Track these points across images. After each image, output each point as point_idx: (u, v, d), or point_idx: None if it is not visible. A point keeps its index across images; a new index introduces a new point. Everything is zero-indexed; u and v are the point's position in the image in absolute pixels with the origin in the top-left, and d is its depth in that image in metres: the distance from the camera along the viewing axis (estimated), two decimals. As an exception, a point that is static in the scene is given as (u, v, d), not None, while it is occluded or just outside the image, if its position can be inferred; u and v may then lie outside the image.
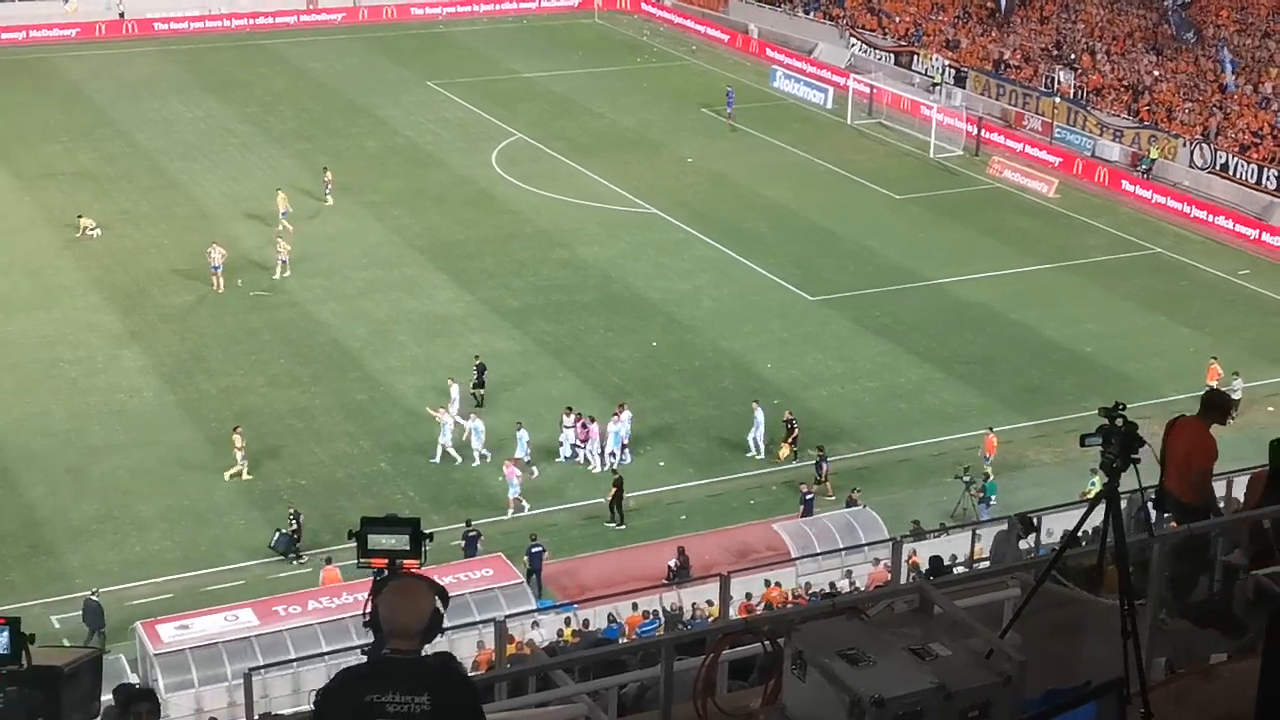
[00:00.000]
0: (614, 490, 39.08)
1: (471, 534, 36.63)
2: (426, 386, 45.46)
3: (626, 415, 42.07)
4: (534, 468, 40.91)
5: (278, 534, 37.03)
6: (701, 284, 53.88)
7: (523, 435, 41.06)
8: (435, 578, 7.46)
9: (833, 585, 34.47)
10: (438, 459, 41.39)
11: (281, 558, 36.87)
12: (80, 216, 56.77)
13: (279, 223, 57.07)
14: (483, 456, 41.26)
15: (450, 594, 7.35)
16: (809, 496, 39.22)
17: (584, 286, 53.37)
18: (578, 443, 41.65)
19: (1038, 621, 9.61)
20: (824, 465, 40.55)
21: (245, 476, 40.44)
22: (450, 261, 55.15)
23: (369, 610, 7.19)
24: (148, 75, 79.26)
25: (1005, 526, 18.80)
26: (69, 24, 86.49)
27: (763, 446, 42.18)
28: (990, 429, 41.93)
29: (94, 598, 33.98)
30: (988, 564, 17.65)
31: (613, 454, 41.28)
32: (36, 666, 7.02)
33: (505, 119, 72.81)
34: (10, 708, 6.90)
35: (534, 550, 36.24)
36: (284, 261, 52.73)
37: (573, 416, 41.90)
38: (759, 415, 42.27)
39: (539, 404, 44.38)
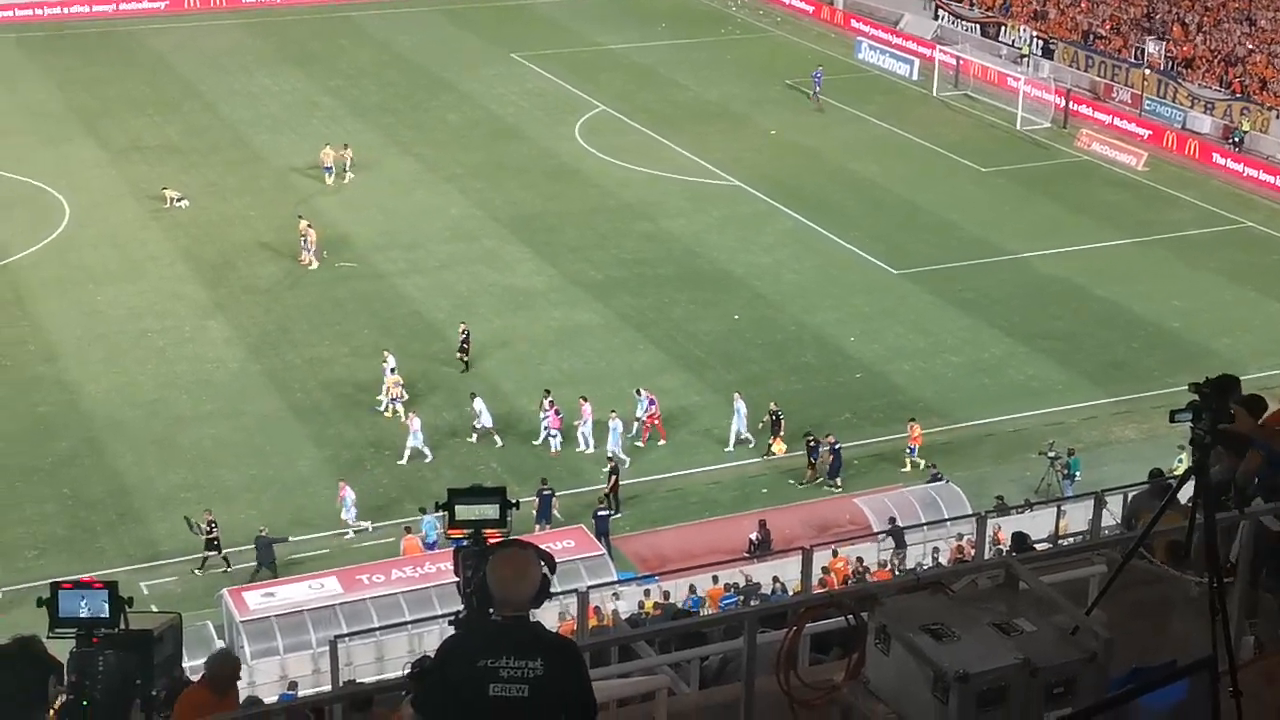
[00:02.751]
0: (612, 480, 38.38)
1: (546, 491, 36.83)
2: (509, 359, 45.70)
3: (646, 397, 41.33)
4: (498, 437, 41.11)
5: (192, 524, 35.82)
6: (784, 257, 53.70)
7: (479, 404, 41.28)
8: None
9: (894, 521, 34.65)
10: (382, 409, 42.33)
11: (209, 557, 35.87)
12: (165, 189, 57.40)
13: (324, 177, 58.97)
14: (420, 454, 40.21)
15: None
16: (836, 446, 39.63)
17: (667, 260, 53.32)
18: (551, 430, 40.73)
19: (1124, 599, 9.54)
20: (819, 451, 39.92)
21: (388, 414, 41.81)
22: (532, 234, 55.28)
23: (470, 579, 7.26)
24: (234, 48, 79.91)
25: (1146, 487, 19.11)
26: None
27: (747, 437, 41.11)
28: (912, 419, 41.06)
29: (264, 534, 35.37)
30: (1117, 523, 17.80)
31: (611, 454, 39.56)
32: (131, 630, 7.14)
33: (589, 91, 72.80)
34: (109, 672, 7.02)
35: (600, 514, 36.67)
36: (309, 251, 51.71)
37: (549, 400, 41.16)
38: (740, 406, 41.22)
39: (621, 377, 44.43)
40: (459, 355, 44.90)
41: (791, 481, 40.05)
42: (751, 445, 41.21)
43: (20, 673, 6.99)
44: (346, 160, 60.43)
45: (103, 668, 6.99)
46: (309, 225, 52.46)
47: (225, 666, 11.45)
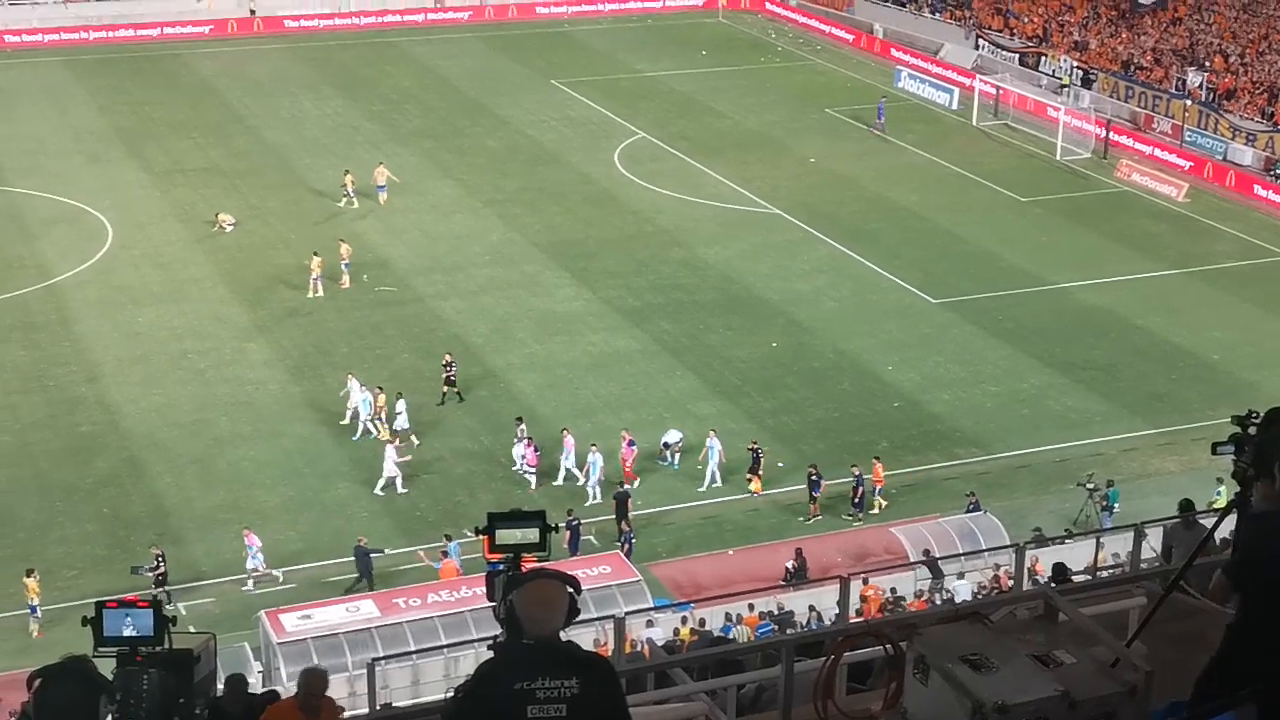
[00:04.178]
0: (616, 506, 38.15)
1: (574, 522, 36.85)
2: (546, 384, 45.78)
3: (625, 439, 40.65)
4: (414, 438, 41.73)
5: (138, 567, 34.95)
6: (822, 285, 53.66)
7: (401, 405, 41.98)
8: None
9: (929, 553, 34.49)
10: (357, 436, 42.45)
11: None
12: (219, 214, 57.78)
13: (376, 196, 59.79)
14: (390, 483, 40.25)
15: None
16: (861, 477, 39.11)
17: (704, 286, 53.36)
18: (528, 468, 40.23)
19: (1163, 632, 9.48)
20: (820, 484, 39.14)
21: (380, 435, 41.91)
22: (571, 260, 55.41)
23: (503, 605, 7.29)
24: (277, 72, 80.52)
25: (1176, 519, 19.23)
26: (202, 21, 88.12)
27: (719, 476, 40.32)
28: (876, 458, 40.32)
29: (362, 544, 35.74)
30: (1156, 555, 17.83)
31: (595, 484, 39.57)
32: (173, 650, 7.20)
33: (628, 118, 73.01)
34: (153, 691, 7.08)
35: (632, 538, 37.03)
36: (319, 278, 51.42)
37: (522, 428, 40.93)
38: (714, 444, 40.43)
39: (658, 403, 44.51)
40: (445, 388, 44.29)
41: (804, 519, 39.58)
42: (717, 485, 40.44)
43: (73, 692, 7.06)
44: (349, 185, 60.12)
45: (147, 686, 7.05)
46: (345, 249, 52.71)
47: (310, 684, 11.37)
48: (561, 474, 40.50)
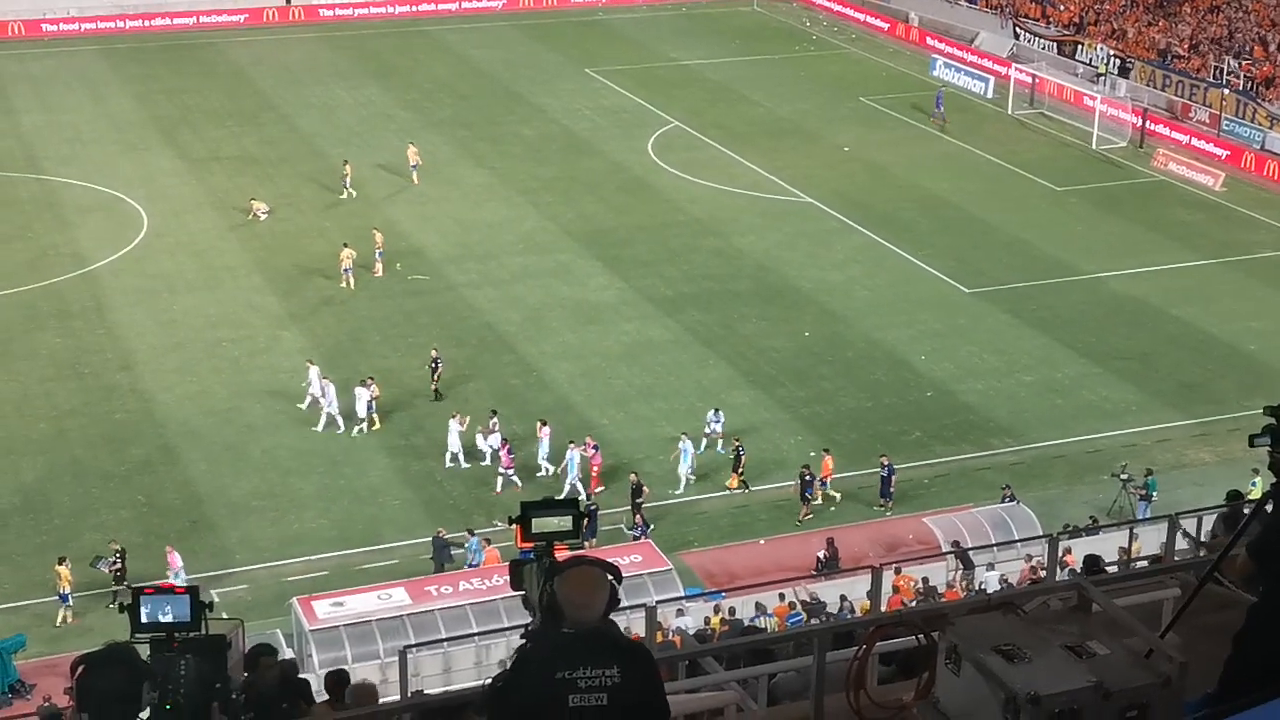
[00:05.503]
0: (630, 497, 37.99)
1: (592, 507, 36.73)
2: (578, 373, 45.81)
3: (590, 445, 40.06)
4: (364, 428, 41.97)
5: (99, 560, 34.67)
6: (855, 274, 53.54)
7: (360, 392, 42.17)
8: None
9: (958, 544, 34.45)
10: (320, 427, 42.33)
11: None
12: (252, 200, 58.06)
13: (410, 175, 60.75)
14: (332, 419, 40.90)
15: None
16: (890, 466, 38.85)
17: (737, 275, 53.29)
18: (502, 469, 39.47)
19: (1198, 623, 9.44)
20: (813, 486, 38.61)
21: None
22: (604, 249, 55.41)
23: (544, 592, 7.29)
24: (312, 61, 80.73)
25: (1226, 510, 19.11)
26: (237, 10, 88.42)
27: (684, 480, 39.57)
28: (826, 450, 39.92)
29: (441, 534, 35.98)
30: (1190, 547, 17.75)
31: (572, 484, 39.03)
32: (208, 635, 7.26)
33: (662, 106, 72.92)
34: (190, 676, 7.14)
35: (636, 534, 37.20)
36: (350, 269, 51.19)
37: (495, 421, 40.50)
38: (686, 447, 39.89)
39: (690, 393, 44.47)
40: (433, 385, 44.04)
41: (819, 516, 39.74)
42: (686, 486, 39.84)
43: (116, 677, 7.14)
44: (347, 178, 60.13)
45: (184, 672, 7.12)
46: (379, 237, 52.86)
47: (363, 698, 11.50)
48: (542, 469, 40.08)
